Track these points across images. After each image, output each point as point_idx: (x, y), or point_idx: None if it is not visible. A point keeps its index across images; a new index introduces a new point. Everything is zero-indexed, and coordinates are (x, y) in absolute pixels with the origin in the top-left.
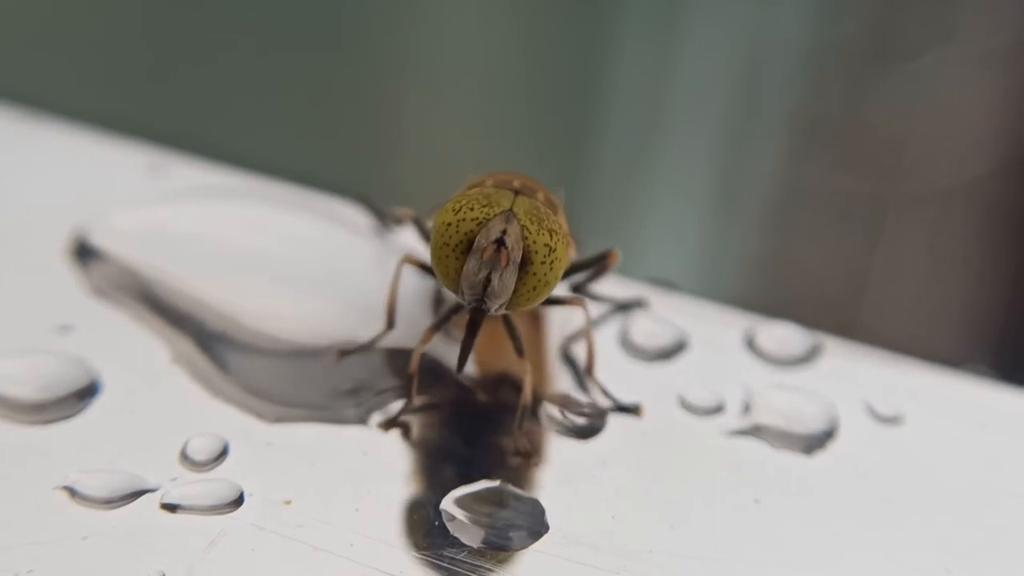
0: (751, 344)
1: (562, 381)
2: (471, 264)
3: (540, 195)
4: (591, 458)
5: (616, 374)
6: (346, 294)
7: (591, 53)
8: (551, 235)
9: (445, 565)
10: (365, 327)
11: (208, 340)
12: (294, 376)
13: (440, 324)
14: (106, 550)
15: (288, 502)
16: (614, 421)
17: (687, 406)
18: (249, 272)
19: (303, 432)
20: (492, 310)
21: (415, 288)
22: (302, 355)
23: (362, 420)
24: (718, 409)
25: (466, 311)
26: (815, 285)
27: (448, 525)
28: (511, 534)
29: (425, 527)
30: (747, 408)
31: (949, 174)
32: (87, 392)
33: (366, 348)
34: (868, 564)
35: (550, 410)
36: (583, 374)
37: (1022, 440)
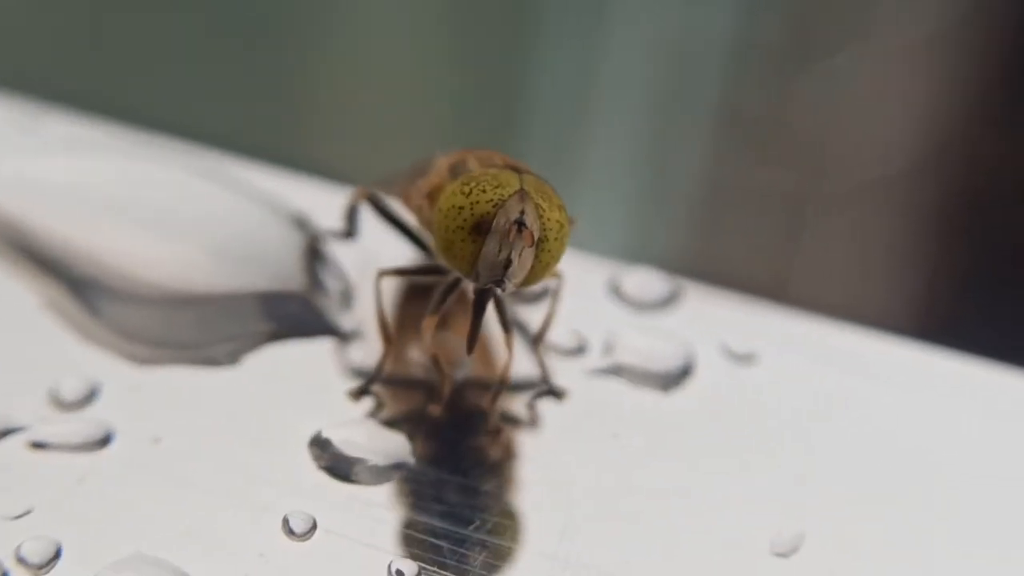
0: (614, 289)
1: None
2: (491, 246)
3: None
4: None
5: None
6: (212, 240)
7: (515, 51)
8: (560, 211)
9: (314, 497)
10: (232, 272)
11: (79, 285)
12: (165, 319)
13: (438, 309)
14: None
15: (157, 440)
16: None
17: (551, 347)
18: (119, 220)
19: (174, 373)
20: (507, 290)
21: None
22: (172, 299)
23: (233, 361)
24: (580, 350)
25: (467, 291)
26: (739, 280)
27: (317, 457)
28: (371, 465)
29: (294, 462)
30: (608, 349)
31: (868, 170)
32: None
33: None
34: (719, 491)
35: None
36: (530, 341)
37: (864, 377)
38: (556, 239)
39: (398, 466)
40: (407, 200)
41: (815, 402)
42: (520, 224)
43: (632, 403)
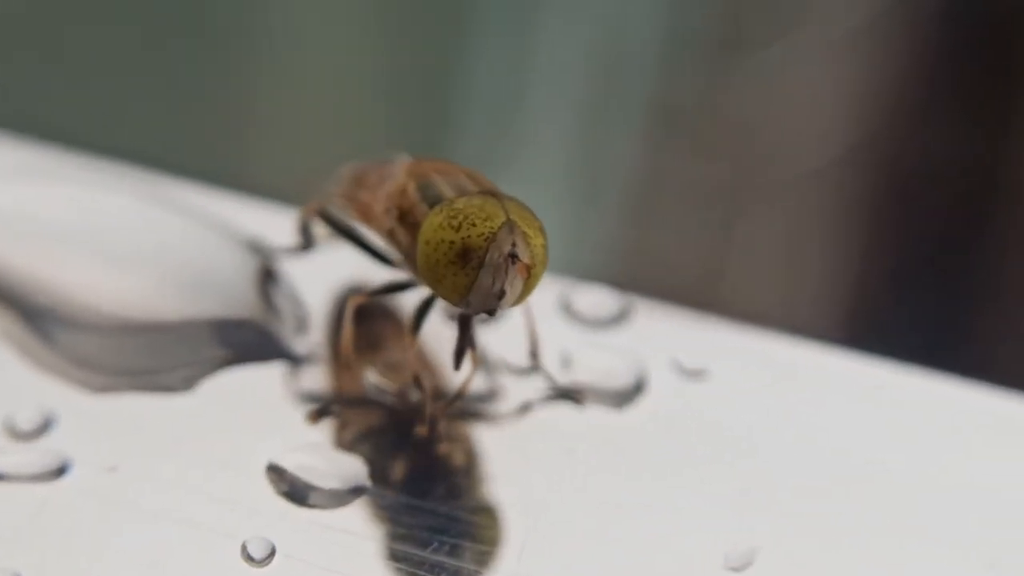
0: (566, 308)
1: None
2: (485, 279)
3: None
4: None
5: (443, 343)
6: (164, 267)
7: (446, 43)
8: (542, 234)
9: (272, 522)
10: (185, 298)
11: (31, 315)
12: (118, 347)
13: (418, 327)
14: None
15: (114, 468)
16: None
17: (508, 368)
18: (70, 248)
19: (129, 401)
20: (496, 316)
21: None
22: (126, 327)
23: (188, 387)
24: (535, 369)
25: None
26: (673, 272)
27: (275, 482)
28: (329, 489)
29: (252, 487)
30: (562, 367)
31: (799, 162)
32: None
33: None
34: (673, 506)
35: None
36: (527, 357)
37: (813, 390)
38: (541, 263)
39: (356, 489)
40: (364, 212)
41: (766, 416)
42: (513, 256)
43: (586, 420)
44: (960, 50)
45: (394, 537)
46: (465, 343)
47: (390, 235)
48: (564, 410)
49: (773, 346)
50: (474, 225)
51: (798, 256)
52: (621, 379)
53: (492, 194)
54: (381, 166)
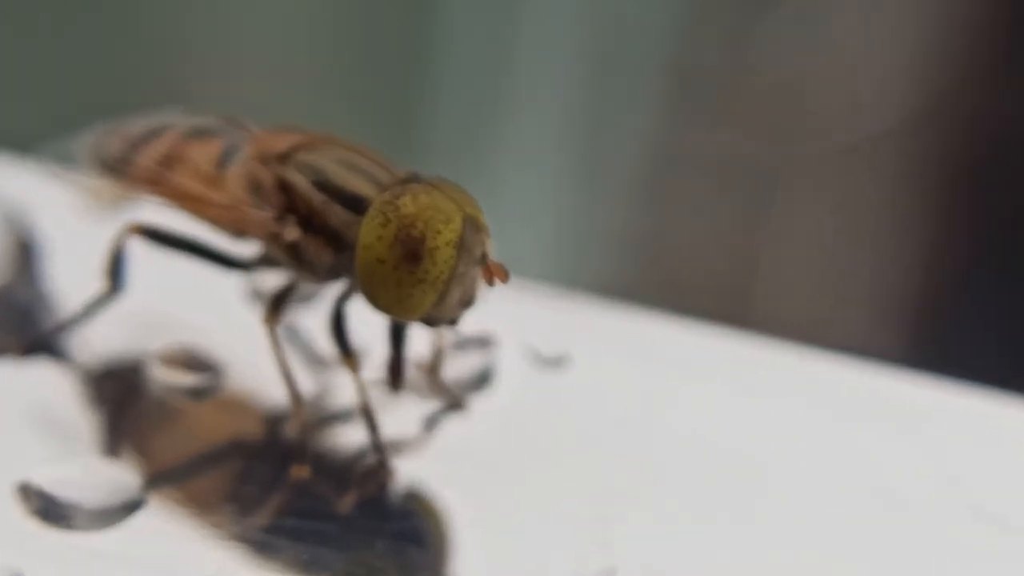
0: None
1: None
2: (454, 292)
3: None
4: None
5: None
6: None
7: (423, 8)
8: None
9: (20, 549)
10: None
11: None
12: None
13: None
14: None
15: None
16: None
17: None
18: None
19: None
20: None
21: None
22: None
23: None
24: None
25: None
26: (697, 267)
27: (23, 503)
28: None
29: None
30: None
31: (850, 129)
32: None
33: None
34: (521, 509)
35: None
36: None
37: (681, 377)
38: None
39: (125, 507)
40: (190, 202)
41: (627, 407)
42: (483, 258)
43: (429, 416)
44: None
45: (166, 565)
46: (402, 355)
47: (273, 240)
48: (403, 403)
49: (639, 329)
50: (439, 233)
51: (847, 245)
52: (470, 365)
53: (414, 178)
54: (153, 131)
